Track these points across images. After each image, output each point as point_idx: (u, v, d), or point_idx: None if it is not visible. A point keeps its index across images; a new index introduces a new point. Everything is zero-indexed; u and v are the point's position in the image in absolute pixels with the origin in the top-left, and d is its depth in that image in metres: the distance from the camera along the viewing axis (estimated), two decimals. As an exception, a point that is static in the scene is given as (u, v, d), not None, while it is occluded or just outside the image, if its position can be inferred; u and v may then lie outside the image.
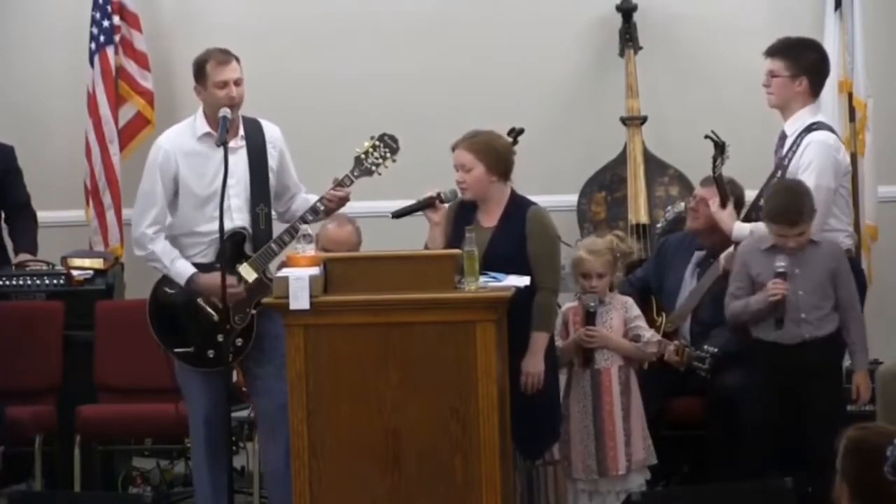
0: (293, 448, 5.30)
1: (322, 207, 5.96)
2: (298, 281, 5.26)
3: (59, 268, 7.31)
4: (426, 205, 5.91)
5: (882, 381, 6.32)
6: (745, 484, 5.61)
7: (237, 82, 5.91)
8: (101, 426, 6.83)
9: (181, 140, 5.97)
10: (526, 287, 5.55)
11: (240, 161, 5.95)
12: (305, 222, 5.94)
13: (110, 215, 7.88)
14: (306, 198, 6.07)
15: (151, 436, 7.13)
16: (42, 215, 7.55)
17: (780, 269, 5.80)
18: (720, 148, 6.15)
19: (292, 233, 5.88)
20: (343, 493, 5.28)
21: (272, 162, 6.03)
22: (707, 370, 6.15)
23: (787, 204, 5.89)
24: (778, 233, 5.86)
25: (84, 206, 7.96)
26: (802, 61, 6.21)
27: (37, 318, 7.12)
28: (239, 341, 5.94)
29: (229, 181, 5.78)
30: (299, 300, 5.25)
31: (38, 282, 7.26)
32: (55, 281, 7.27)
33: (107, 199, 7.88)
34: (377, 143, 5.99)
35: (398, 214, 5.96)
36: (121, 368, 7.02)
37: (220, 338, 5.89)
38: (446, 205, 5.92)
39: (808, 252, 5.87)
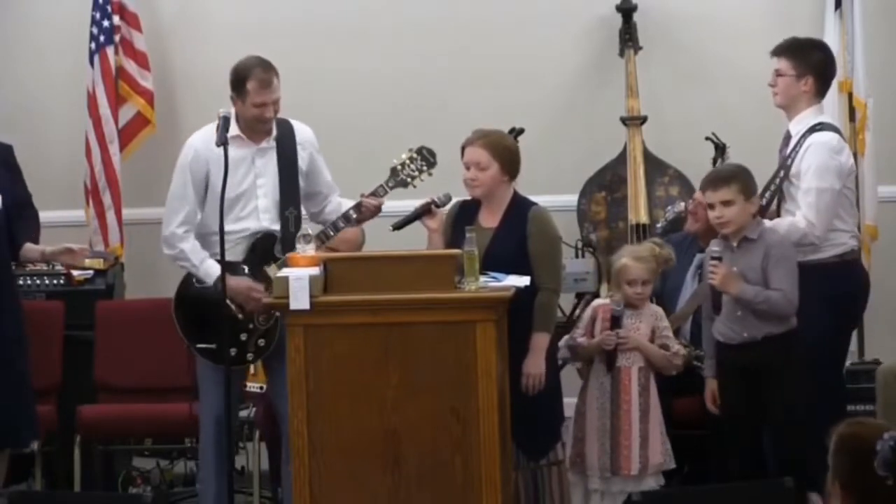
0: (293, 448, 5.30)
1: (355, 216, 5.95)
2: (298, 281, 5.26)
3: (59, 268, 7.31)
4: (422, 212, 5.91)
5: (882, 381, 6.31)
6: (745, 484, 5.61)
7: (275, 102, 5.91)
8: (101, 426, 6.83)
9: (212, 141, 5.94)
10: (526, 287, 5.55)
11: (269, 163, 5.99)
12: (337, 229, 5.96)
13: (110, 215, 7.88)
14: (340, 201, 6.08)
15: (151, 436, 7.12)
16: (42, 215, 7.50)
17: (715, 254, 5.78)
18: (721, 150, 6.15)
19: (322, 238, 5.89)
20: (343, 493, 5.27)
21: (302, 163, 6.04)
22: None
23: (716, 170, 6.06)
24: (707, 202, 5.88)
25: (84, 206, 7.96)
26: (809, 61, 6.21)
27: (37, 318, 7.09)
28: (261, 342, 5.96)
29: (259, 181, 5.92)
30: (299, 300, 5.25)
31: (38, 282, 7.28)
32: (55, 281, 7.28)
33: (107, 199, 7.88)
34: (414, 155, 6.00)
35: (398, 226, 5.95)
36: (121, 368, 7.03)
37: (243, 337, 5.91)
38: (441, 209, 5.93)
39: (744, 247, 5.84)
